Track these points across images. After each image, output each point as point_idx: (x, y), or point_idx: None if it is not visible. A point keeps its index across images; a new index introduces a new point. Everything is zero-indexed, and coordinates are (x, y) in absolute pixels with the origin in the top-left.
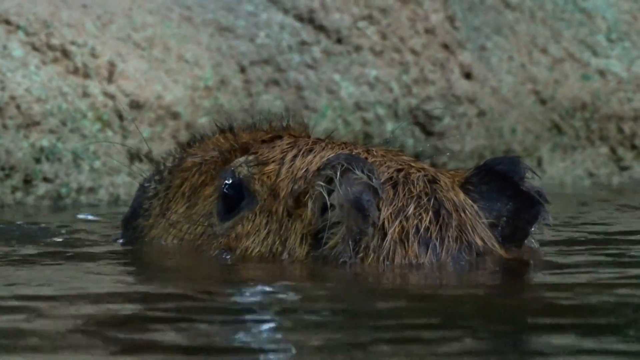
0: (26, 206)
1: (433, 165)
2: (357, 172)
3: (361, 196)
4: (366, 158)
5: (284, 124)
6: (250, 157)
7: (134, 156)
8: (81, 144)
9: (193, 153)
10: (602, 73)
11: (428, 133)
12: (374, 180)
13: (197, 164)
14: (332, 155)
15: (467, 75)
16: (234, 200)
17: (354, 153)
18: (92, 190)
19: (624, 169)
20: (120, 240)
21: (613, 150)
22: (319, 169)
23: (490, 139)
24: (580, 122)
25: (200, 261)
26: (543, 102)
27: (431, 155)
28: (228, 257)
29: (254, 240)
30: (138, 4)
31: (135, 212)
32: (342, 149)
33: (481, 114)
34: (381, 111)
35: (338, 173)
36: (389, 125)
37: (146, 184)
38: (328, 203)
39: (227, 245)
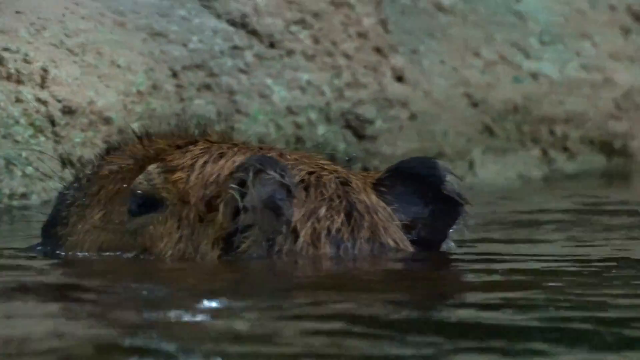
0: None
1: (365, 169)
2: (269, 172)
3: (274, 195)
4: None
5: (203, 130)
6: (160, 165)
7: (66, 162)
8: (14, 149)
9: (110, 161)
10: (534, 76)
11: (360, 136)
12: (286, 179)
13: (114, 171)
14: (245, 158)
15: (400, 79)
16: (144, 207)
17: (272, 156)
18: (24, 195)
19: (555, 170)
20: (39, 248)
21: (545, 153)
22: (231, 173)
23: (422, 142)
24: (512, 124)
25: (115, 265)
26: (475, 105)
27: (352, 158)
28: (140, 258)
29: (167, 244)
30: (71, 10)
31: (54, 219)
32: (255, 153)
33: (413, 117)
34: (313, 115)
35: (251, 175)
36: (321, 129)
37: (65, 192)
38: (240, 206)
39: (142, 246)
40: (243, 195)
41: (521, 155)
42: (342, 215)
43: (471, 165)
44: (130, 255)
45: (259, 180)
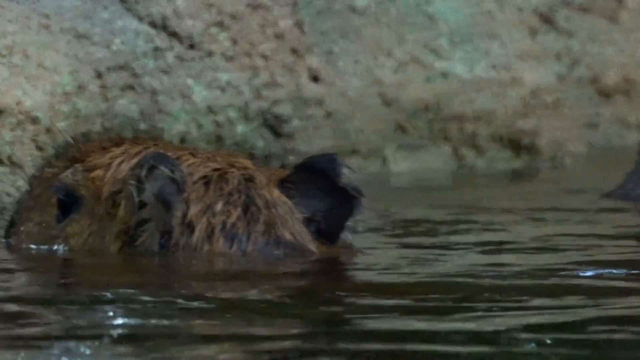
0: None
1: (282, 166)
2: (161, 167)
3: (164, 189)
4: (188, 159)
5: (135, 133)
6: (80, 165)
7: None
8: None
9: (52, 165)
10: (445, 75)
11: (277, 135)
12: (176, 173)
13: (55, 174)
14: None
15: (315, 79)
16: (69, 205)
17: (165, 153)
18: None
19: (465, 167)
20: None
21: (455, 149)
22: (131, 169)
23: (337, 140)
24: (423, 122)
25: (38, 263)
26: (388, 104)
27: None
28: (60, 255)
29: (78, 240)
30: None
31: (13, 220)
32: (168, 150)
33: (329, 115)
34: (232, 114)
35: (145, 171)
36: (240, 128)
37: (22, 195)
38: (136, 200)
39: (64, 245)
40: (141, 191)
41: (432, 152)
42: (239, 209)
43: (384, 161)
44: (58, 251)
45: (152, 176)
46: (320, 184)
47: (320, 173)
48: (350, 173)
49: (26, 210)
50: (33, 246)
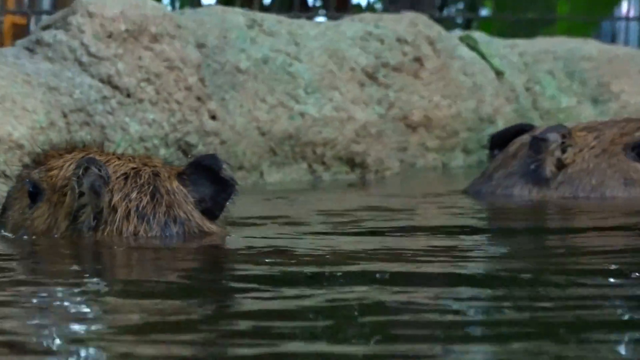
0: None
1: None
2: (92, 168)
3: (95, 182)
4: (114, 161)
5: (84, 145)
6: (43, 167)
7: None
8: None
9: (27, 167)
10: (302, 114)
11: (187, 156)
12: (102, 172)
13: (27, 173)
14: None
15: (213, 118)
16: (35, 195)
17: (96, 157)
18: None
19: (317, 178)
20: None
21: (310, 166)
22: (73, 170)
23: (229, 160)
24: (288, 147)
25: (11, 241)
26: (263, 134)
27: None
28: (26, 236)
29: (40, 220)
30: None
31: (4, 207)
32: (98, 155)
33: (222, 143)
34: (156, 142)
35: (81, 170)
36: (162, 152)
37: (10, 190)
38: (77, 191)
39: (30, 227)
40: (80, 185)
41: (294, 168)
42: (148, 196)
43: (261, 174)
44: (26, 234)
45: (87, 174)
46: (207, 175)
47: (206, 168)
48: (228, 167)
49: (11, 199)
50: (13, 226)
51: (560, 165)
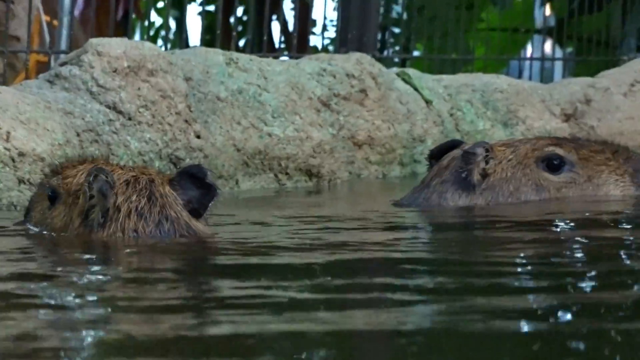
0: None
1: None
2: (101, 175)
3: (103, 187)
4: (118, 170)
5: (93, 159)
6: (60, 175)
7: (20, 182)
8: None
9: (46, 176)
10: (269, 134)
11: (177, 167)
12: (109, 178)
13: (47, 180)
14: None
15: (198, 137)
16: (54, 199)
17: (104, 167)
18: None
19: (282, 186)
20: (22, 222)
21: (276, 176)
22: (85, 177)
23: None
24: (258, 160)
25: (35, 238)
26: (239, 150)
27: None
28: (46, 232)
29: (57, 220)
30: (21, 100)
31: (28, 208)
32: (105, 166)
33: (206, 157)
34: (152, 156)
35: (92, 177)
36: (157, 164)
37: (33, 194)
38: (88, 195)
39: (50, 225)
40: (90, 189)
41: (263, 178)
42: (145, 198)
43: (237, 182)
44: (47, 230)
45: (96, 180)
46: (193, 181)
47: (193, 175)
48: (211, 174)
49: (34, 202)
50: (36, 224)
51: (484, 174)
